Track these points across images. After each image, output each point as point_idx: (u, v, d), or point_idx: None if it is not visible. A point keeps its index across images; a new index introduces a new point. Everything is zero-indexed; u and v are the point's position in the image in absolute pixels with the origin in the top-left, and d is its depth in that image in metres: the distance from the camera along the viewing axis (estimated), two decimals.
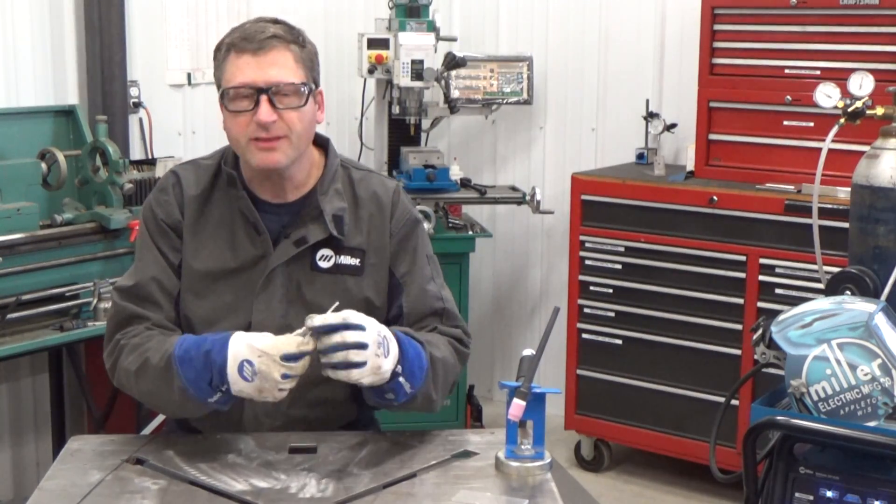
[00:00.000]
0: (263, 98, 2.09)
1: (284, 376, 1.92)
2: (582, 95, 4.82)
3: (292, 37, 2.15)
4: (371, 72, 4.41)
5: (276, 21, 2.18)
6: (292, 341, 1.92)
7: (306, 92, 2.14)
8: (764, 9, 3.95)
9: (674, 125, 4.42)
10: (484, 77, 4.65)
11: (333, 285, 2.18)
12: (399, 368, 2.00)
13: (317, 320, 1.91)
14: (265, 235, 2.19)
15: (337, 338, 1.91)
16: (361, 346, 1.92)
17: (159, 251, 2.21)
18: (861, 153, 2.61)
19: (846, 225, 2.62)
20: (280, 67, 2.11)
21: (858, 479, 2.22)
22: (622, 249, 4.15)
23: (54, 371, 3.79)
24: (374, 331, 1.95)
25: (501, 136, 5.06)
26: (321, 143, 2.28)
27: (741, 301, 3.89)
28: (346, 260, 2.21)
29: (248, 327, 2.12)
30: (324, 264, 2.20)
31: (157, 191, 2.27)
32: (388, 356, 1.97)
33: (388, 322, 2.19)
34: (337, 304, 2.00)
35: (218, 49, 2.17)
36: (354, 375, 1.93)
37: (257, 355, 1.92)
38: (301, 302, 2.17)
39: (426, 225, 2.46)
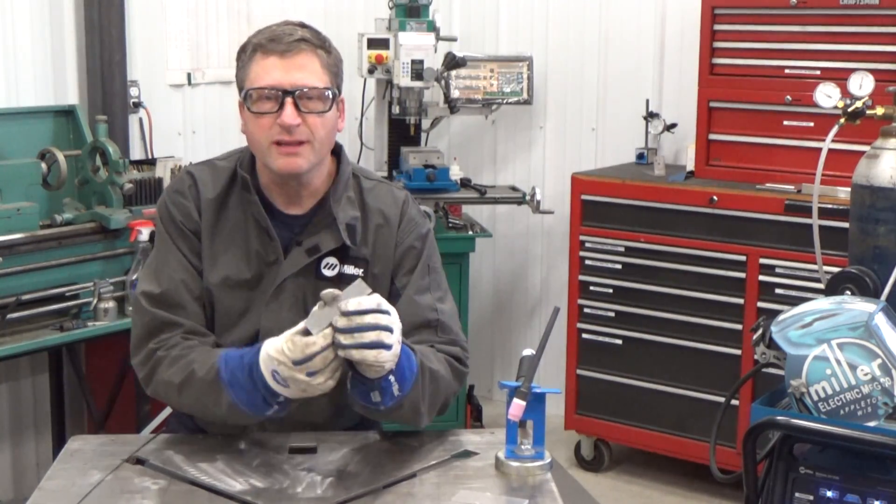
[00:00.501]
0: (288, 100, 2.06)
1: (310, 374, 1.88)
2: (582, 95, 4.82)
3: (320, 42, 2.13)
4: (371, 72, 4.41)
5: (303, 25, 2.15)
6: (299, 344, 1.88)
7: (331, 97, 2.11)
8: (764, 9, 3.95)
9: (674, 125, 4.43)
10: (484, 77, 4.65)
11: None
12: (392, 366, 1.95)
13: (352, 304, 1.87)
14: (276, 241, 2.17)
15: (369, 318, 1.87)
16: (390, 330, 1.89)
17: (182, 254, 2.18)
18: (861, 153, 2.61)
19: (846, 225, 2.62)
20: (307, 71, 2.09)
21: (858, 479, 2.22)
22: (622, 249, 4.15)
23: (54, 371, 3.79)
24: (397, 317, 1.93)
25: (501, 136, 5.06)
26: (334, 149, 2.25)
27: (741, 301, 3.90)
28: (350, 270, 2.18)
29: (256, 335, 2.11)
30: (328, 272, 2.18)
31: (172, 191, 2.23)
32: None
33: None
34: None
35: (243, 50, 2.14)
36: (384, 356, 1.88)
37: (277, 363, 1.89)
38: (306, 311, 2.13)
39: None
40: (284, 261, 2.17)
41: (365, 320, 1.86)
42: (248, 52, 2.13)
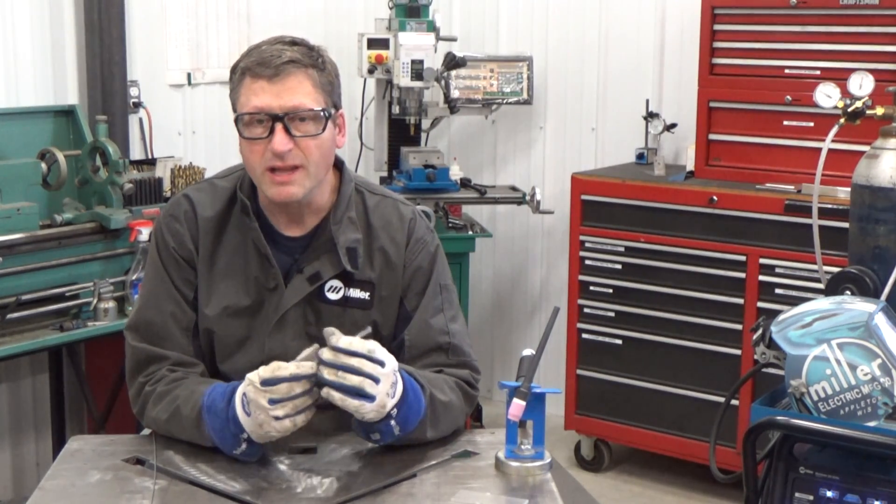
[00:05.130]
0: (279, 126, 2.01)
1: (272, 402, 1.86)
2: (582, 95, 4.82)
3: (310, 60, 2.05)
4: (371, 72, 4.41)
5: (294, 42, 2.07)
6: (271, 366, 1.86)
7: (325, 118, 2.05)
8: (764, 9, 3.95)
9: (674, 125, 4.43)
10: (484, 77, 4.65)
11: (341, 317, 2.11)
12: (395, 411, 1.92)
13: (343, 341, 1.86)
14: (276, 269, 2.12)
15: (355, 361, 1.85)
16: (375, 380, 1.86)
17: (173, 283, 2.14)
18: (861, 153, 2.61)
19: (846, 225, 2.62)
20: (297, 94, 2.02)
21: (858, 479, 2.22)
22: (622, 249, 4.15)
23: (54, 371, 3.79)
24: (391, 370, 1.90)
25: (501, 136, 5.06)
26: (336, 163, 2.17)
27: (741, 301, 3.90)
28: (356, 293, 2.14)
29: (261, 363, 2.01)
30: (332, 296, 2.14)
31: (168, 216, 2.18)
32: (393, 397, 1.92)
33: (390, 353, 2.17)
34: (369, 329, 1.95)
35: (233, 71, 2.08)
36: (366, 408, 1.86)
37: (248, 383, 1.88)
38: (310, 335, 2.11)
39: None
40: (286, 289, 2.13)
41: (350, 362, 1.85)
42: (237, 75, 2.07)
